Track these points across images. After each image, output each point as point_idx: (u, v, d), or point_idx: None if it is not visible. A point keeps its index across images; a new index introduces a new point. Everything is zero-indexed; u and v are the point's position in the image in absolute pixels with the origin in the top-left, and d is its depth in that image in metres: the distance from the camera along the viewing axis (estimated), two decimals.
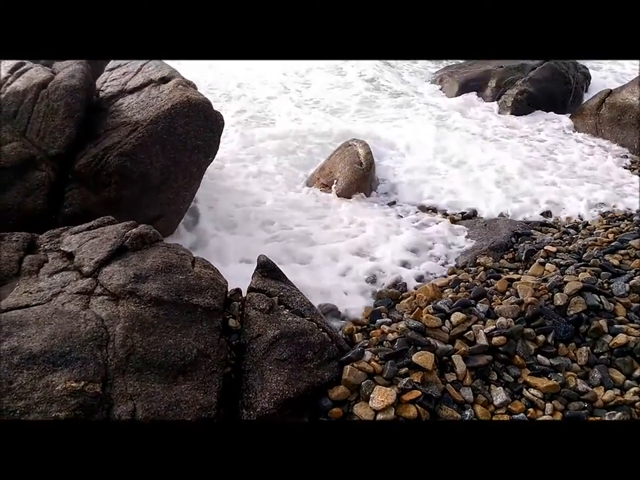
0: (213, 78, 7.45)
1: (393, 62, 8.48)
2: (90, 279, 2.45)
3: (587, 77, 7.30)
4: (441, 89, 7.31)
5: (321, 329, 2.52)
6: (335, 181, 4.52)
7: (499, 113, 6.50)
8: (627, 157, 5.32)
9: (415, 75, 8.09)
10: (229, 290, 2.68)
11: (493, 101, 6.72)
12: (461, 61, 8.17)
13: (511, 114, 6.41)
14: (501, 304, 2.79)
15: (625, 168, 5.07)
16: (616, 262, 3.11)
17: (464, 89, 6.95)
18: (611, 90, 5.97)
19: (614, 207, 4.25)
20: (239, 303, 2.66)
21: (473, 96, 6.86)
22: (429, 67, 8.46)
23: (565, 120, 6.29)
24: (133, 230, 2.69)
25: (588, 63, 7.76)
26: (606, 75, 8.19)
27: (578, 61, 7.25)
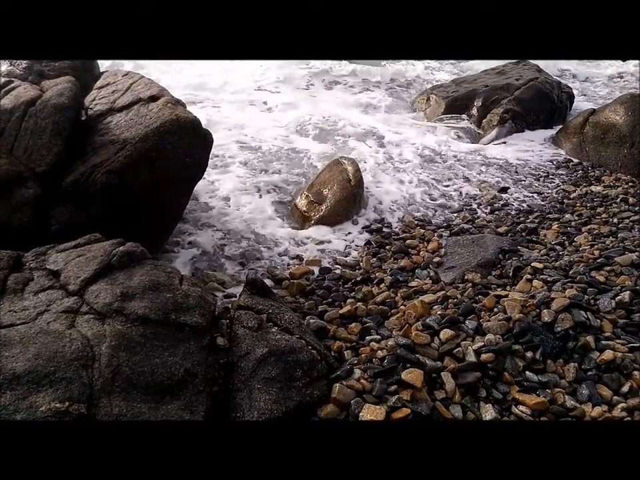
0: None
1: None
2: (76, 297, 2.42)
3: (571, 97, 7.44)
4: (424, 110, 7.41)
5: (310, 347, 2.51)
6: (324, 201, 4.54)
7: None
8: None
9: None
10: (217, 308, 2.66)
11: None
12: (448, 80, 8.30)
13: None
14: (489, 320, 2.80)
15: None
16: (602, 278, 3.14)
17: (450, 108, 7.05)
18: (595, 109, 6.10)
19: None
20: (227, 320, 2.64)
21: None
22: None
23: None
24: (120, 248, 2.68)
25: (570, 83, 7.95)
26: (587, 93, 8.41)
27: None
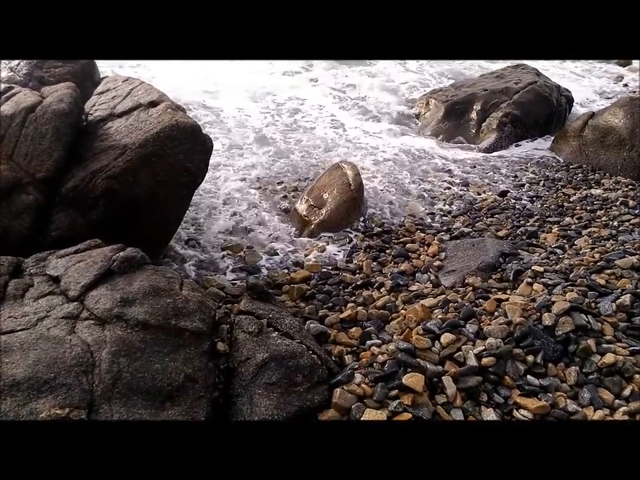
0: None
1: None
2: (76, 303, 2.42)
3: (570, 100, 7.45)
4: (424, 114, 7.41)
5: (311, 352, 2.51)
6: (324, 205, 4.54)
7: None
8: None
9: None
10: (217, 313, 2.66)
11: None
12: (446, 84, 8.32)
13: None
14: (490, 324, 2.80)
15: None
16: (602, 281, 3.14)
17: (450, 112, 7.05)
18: (594, 112, 6.11)
19: None
20: (228, 325, 2.64)
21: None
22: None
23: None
24: (120, 253, 2.67)
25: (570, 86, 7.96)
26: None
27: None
